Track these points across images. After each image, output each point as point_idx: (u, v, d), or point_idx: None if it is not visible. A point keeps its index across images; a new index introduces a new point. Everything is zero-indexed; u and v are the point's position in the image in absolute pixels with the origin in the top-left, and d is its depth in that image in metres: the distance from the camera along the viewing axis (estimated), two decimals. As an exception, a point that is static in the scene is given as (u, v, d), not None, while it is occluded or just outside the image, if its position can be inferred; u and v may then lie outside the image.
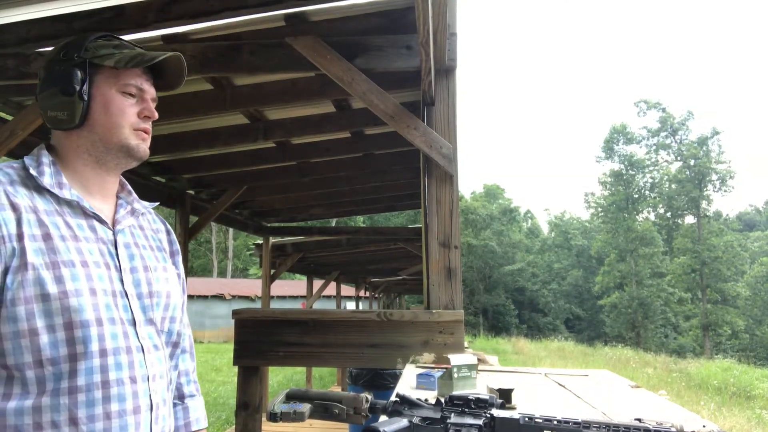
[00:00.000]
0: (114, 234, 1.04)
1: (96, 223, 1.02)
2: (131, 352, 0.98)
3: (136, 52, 1.05)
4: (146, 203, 1.18)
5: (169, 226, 1.25)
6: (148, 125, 1.08)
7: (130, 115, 1.05)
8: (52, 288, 0.90)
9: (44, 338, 0.89)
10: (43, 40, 2.45)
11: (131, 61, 1.03)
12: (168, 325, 1.09)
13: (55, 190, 0.99)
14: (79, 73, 1.01)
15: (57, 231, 0.95)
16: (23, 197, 0.96)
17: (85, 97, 1.01)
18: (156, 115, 1.09)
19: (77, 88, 1.01)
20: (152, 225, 1.19)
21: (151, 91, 1.09)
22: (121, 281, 1.00)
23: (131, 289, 1.02)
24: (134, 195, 1.14)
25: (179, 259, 1.22)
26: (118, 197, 1.11)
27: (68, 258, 0.94)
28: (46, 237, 0.94)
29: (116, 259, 1.02)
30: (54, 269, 0.92)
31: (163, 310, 1.07)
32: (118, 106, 1.04)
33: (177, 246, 1.24)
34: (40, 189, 0.98)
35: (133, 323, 0.99)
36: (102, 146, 1.04)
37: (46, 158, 1.02)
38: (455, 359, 1.72)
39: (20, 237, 0.92)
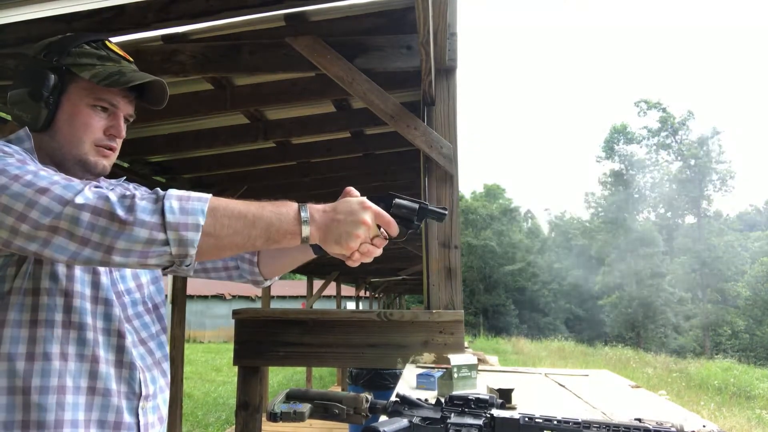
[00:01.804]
0: None
1: None
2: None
3: (116, 68, 1.02)
4: (112, 180, 1.18)
5: (135, 186, 1.22)
6: (114, 143, 1.06)
7: (96, 130, 1.03)
8: None
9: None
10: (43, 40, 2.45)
11: (107, 79, 1.00)
12: (143, 292, 1.12)
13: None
14: (52, 78, 1.00)
15: None
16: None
17: (51, 106, 1.00)
18: (123, 134, 1.07)
19: (45, 94, 0.99)
20: None
21: (126, 109, 1.07)
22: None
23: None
24: (102, 177, 1.13)
25: None
26: None
27: None
28: None
29: None
30: None
31: (132, 279, 1.10)
32: (84, 120, 1.02)
33: None
34: None
35: (97, 288, 1.02)
36: (60, 155, 1.03)
37: (27, 137, 1.03)
38: (455, 359, 1.72)
39: None
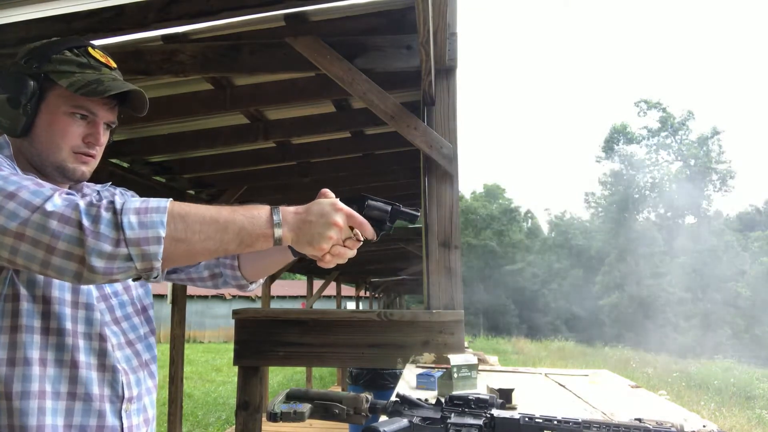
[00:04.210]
0: None
1: None
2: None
3: (95, 77, 1.02)
4: (97, 186, 1.18)
5: (121, 191, 1.22)
6: (93, 150, 1.06)
7: (74, 137, 1.03)
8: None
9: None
10: (43, 40, 2.45)
11: (84, 88, 0.99)
12: (131, 294, 1.12)
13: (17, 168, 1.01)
14: (31, 85, 1.00)
15: None
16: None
17: (29, 112, 1.00)
18: (102, 141, 1.07)
19: (23, 101, 0.99)
20: (105, 198, 1.18)
21: (106, 116, 1.06)
22: None
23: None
24: (84, 182, 1.13)
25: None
26: (69, 187, 1.11)
27: None
28: None
29: None
30: None
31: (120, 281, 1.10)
32: (62, 127, 1.02)
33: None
34: None
35: (77, 296, 1.02)
36: (39, 161, 1.04)
37: (6, 144, 1.04)
38: (455, 359, 1.72)
39: None
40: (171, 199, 0.89)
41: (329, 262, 0.96)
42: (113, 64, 1.08)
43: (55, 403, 0.95)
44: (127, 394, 1.03)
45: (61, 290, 0.98)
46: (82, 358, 0.98)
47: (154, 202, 0.87)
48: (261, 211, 0.92)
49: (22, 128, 1.01)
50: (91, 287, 1.03)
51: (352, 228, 0.96)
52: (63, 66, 1.01)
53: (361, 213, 0.98)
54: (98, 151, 1.08)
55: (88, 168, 1.07)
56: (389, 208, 1.01)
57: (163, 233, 0.84)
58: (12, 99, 1.00)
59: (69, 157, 1.04)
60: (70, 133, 1.03)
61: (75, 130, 1.03)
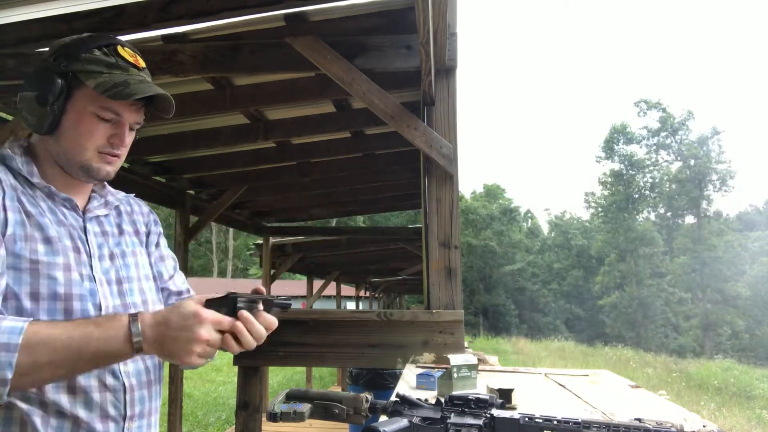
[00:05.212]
0: (84, 221, 1.07)
1: (65, 210, 1.04)
2: None
3: (122, 78, 1.01)
4: (122, 194, 1.19)
5: (149, 211, 1.25)
6: (118, 151, 1.06)
7: (99, 137, 1.03)
8: (24, 263, 0.94)
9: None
10: (44, 40, 2.45)
11: (111, 90, 0.99)
12: (148, 308, 1.11)
13: (25, 174, 1.01)
14: (59, 83, 1.00)
15: (34, 210, 0.99)
16: (6, 174, 1.00)
17: (56, 111, 1.00)
18: (127, 142, 1.07)
19: (50, 100, 0.99)
20: (135, 212, 1.20)
21: (131, 118, 1.06)
22: (91, 266, 1.03)
23: (100, 275, 1.04)
24: (108, 188, 1.15)
25: (155, 239, 1.23)
26: (92, 191, 1.12)
27: (46, 235, 0.98)
28: (27, 213, 0.98)
29: (86, 245, 1.04)
30: (31, 242, 0.96)
31: (139, 294, 1.10)
32: (88, 127, 1.02)
33: (152, 227, 1.23)
34: (14, 173, 1.01)
35: (99, 308, 1.01)
36: (64, 159, 1.04)
37: (18, 149, 1.04)
38: (455, 359, 1.72)
39: (4, 208, 0.96)
40: (25, 324, 0.85)
41: (198, 362, 0.92)
42: (142, 64, 1.08)
43: (61, 423, 0.94)
44: (128, 413, 1.02)
45: (51, 315, 0.96)
46: (81, 382, 0.96)
47: (4, 336, 0.82)
48: (118, 328, 0.88)
49: (48, 126, 1.01)
50: (110, 299, 1.02)
51: (222, 332, 0.91)
52: (91, 66, 1.01)
53: (233, 314, 0.93)
54: (123, 152, 1.08)
55: (112, 168, 1.07)
56: (260, 301, 0.97)
57: (9, 375, 0.82)
58: (40, 97, 1.00)
59: (94, 156, 1.04)
60: (95, 133, 1.03)
61: (100, 130, 1.03)
